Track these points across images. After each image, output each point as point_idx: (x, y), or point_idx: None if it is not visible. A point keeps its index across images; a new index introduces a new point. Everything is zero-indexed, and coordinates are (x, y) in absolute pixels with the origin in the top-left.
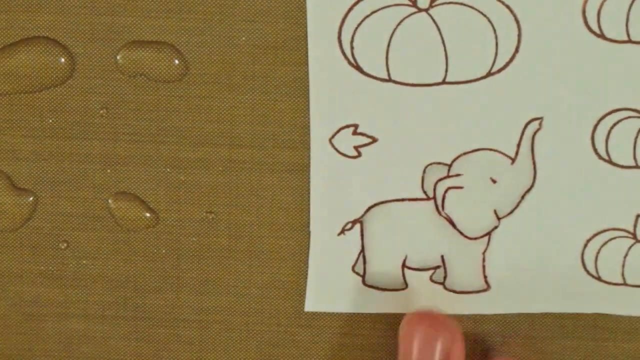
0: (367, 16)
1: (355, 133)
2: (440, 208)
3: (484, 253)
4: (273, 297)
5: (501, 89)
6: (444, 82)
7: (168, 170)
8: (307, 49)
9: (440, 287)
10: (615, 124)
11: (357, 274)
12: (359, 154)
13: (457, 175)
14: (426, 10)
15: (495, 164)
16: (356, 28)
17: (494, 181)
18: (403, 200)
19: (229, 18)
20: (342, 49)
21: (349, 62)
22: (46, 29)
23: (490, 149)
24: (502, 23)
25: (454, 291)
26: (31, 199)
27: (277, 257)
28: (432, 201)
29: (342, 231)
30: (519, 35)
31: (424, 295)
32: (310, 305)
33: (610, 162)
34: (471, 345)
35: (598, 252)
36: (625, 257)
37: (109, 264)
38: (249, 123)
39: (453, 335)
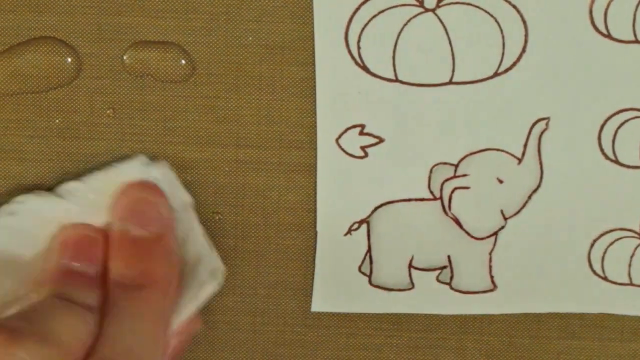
0: (374, 16)
1: (361, 133)
2: (446, 208)
3: (490, 253)
4: (280, 297)
5: (508, 89)
6: (450, 82)
7: (174, 170)
8: (313, 49)
9: (447, 287)
10: (622, 124)
11: (364, 274)
12: (366, 154)
13: (464, 175)
14: (433, 10)
15: (502, 164)
16: (363, 28)
17: (501, 181)
18: (409, 200)
19: (236, 18)
20: (348, 49)
21: (356, 62)
22: (53, 29)
23: (497, 149)
24: (509, 23)
25: (461, 291)
26: None
27: (284, 257)
28: (438, 201)
29: (349, 231)
30: (526, 36)
31: (431, 295)
32: (316, 306)
33: (616, 162)
34: (477, 344)
35: (604, 252)
36: (631, 257)
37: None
38: (255, 123)
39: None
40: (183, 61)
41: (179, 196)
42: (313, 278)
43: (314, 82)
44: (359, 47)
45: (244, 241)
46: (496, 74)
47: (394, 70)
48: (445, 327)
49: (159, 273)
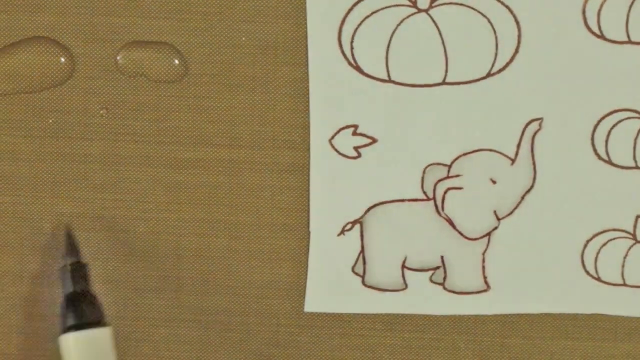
0: (367, 16)
1: (355, 133)
2: (440, 209)
3: (483, 254)
4: (273, 298)
5: (501, 89)
6: (444, 82)
7: (168, 170)
8: (307, 49)
9: (440, 287)
10: (615, 125)
11: (357, 274)
12: (359, 155)
13: (457, 175)
14: (426, 10)
15: (495, 164)
16: (356, 28)
17: (494, 182)
18: (403, 200)
19: (229, 18)
20: (342, 49)
21: (349, 63)
22: (46, 29)
23: (490, 150)
24: (502, 24)
25: (454, 292)
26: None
27: (277, 257)
28: (431, 202)
29: (342, 232)
30: (519, 36)
31: (424, 295)
32: (310, 306)
33: (610, 162)
34: (471, 345)
35: (598, 253)
36: (625, 257)
37: (109, 264)
38: (248, 123)
39: None
40: (176, 61)
41: None
42: (306, 278)
43: (307, 82)
44: (352, 48)
45: (237, 241)
46: (489, 75)
47: (387, 70)
48: (438, 327)
49: None
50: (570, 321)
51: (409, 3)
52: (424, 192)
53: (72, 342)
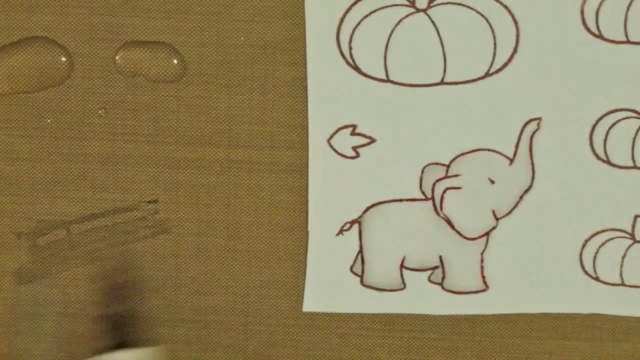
0: (366, 16)
1: (353, 133)
2: (438, 208)
3: (482, 253)
4: (271, 297)
5: (499, 89)
6: (442, 82)
7: (166, 170)
8: (305, 49)
9: (439, 287)
10: (613, 125)
11: (356, 274)
12: (357, 155)
13: (456, 175)
14: (424, 10)
15: (493, 164)
16: (354, 28)
17: (492, 181)
18: (401, 200)
19: (227, 18)
20: (340, 49)
21: (347, 63)
22: (45, 29)
23: (489, 150)
24: (501, 23)
25: (452, 291)
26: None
27: (276, 257)
28: (430, 201)
29: (341, 231)
30: (517, 36)
31: (423, 295)
32: (308, 306)
33: (608, 162)
34: (469, 345)
35: (596, 253)
36: (623, 257)
37: (108, 264)
38: (247, 123)
39: None
40: (175, 61)
41: None
42: (305, 278)
43: (306, 82)
44: (350, 48)
45: (236, 241)
46: (488, 74)
47: (386, 70)
48: (437, 327)
49: None
50: (569, 321)
51: (407, 3)
52: (423, 192)
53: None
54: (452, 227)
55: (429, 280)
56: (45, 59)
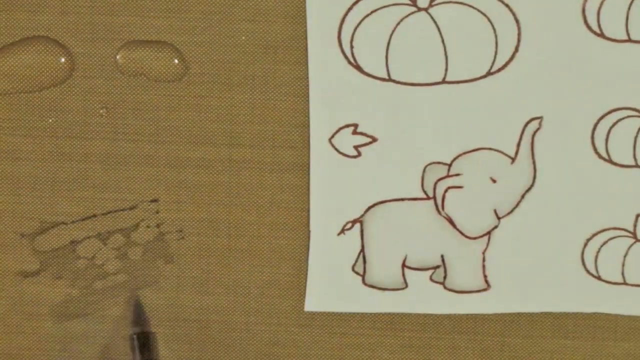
0: (367, 15)
1: (355, 132)
2: (440, 208)
3: (483, 253)
4: (273, 297)
5: (501, 88)
6: (443, 81)
7: (167, 169)
8: (306, 48)
9: (440, 286)
10: (615, 124)
11: (357, 273)
12: (359, 154)
13: (457, 174)
14: (426, 9)
15: (495, 163)
16: (356, 27)
17: (494, 181)
18: (403, 199)
19: (229, 17)
20: (341, 48)
21: (349, 62)
22: (46, 29)
23: (490, 149)
24: (502, 22)
25: (454, 291)
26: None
27: (277, 256)
28: (431, 201)
29: (342, 231)
30: (519, 35)
31: (424, 295)
32: (310, 305)
33: (610, 161)
34: (471, 344)
35: (598, 252)
36: (625, 256)
37: (109, 263)
38: (248, 122)
39: None
40: (176, 60)
41: None
42: (306, 278)
43: (307, 81)
44: (351, 47)
45: (237, 240)
46: (489, 73)
47: (387, 69)
48: (438, 326)
49: None
50: (571, 320)
51: (408, 2)
52: (424, 191)
53: None
54: (454, 226)
55: (431, 279)
56: (46, 58)
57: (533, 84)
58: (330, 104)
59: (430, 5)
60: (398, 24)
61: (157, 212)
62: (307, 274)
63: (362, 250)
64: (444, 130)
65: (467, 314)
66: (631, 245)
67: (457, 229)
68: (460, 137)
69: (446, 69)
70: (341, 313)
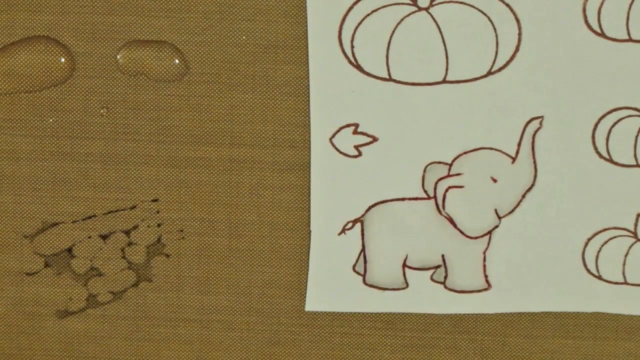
0: (368, 15)
1: (355, 132)
2: (440, 207)
3: (484, 252)
4: (274, 297)
5: (502, 87)
6: (444, 81)
7: (168, 169)
8: (307, 48)
9: (441, 286)
10: (615, 123)
11: (358, 273)
12: (360, 154)
13: (458, 174)
14: (426, 9)
15: (495, 163)
16: (356, 27)
17: (495, 180)
18: (403, 199)
19: (229, 17)
20: (342, 48)
21: (349, 61)
22: (47, 29)
23: (491, 148)
24: (503, 22)
25: (455, 290)
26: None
27: (278, 256)
28: (432, 200)
29: (343, 230)
30: (519, 34)
31: (425, 294)
32: (310, 305)
33: (610, 161)
34: (472, 344)
35: (599, 251)
36: (625, 255)
37: (110, 263)
38: (249, 122)
39: None
40: (177, 60)
41: None
42: (307, 277)
43: (308, 81)
44: (352, 46)
45: (238, 240)
46: (490, 73)
47: (388, 69)
48: (439, 326)
49: None
50: (571, 320)
51: (409, 1)
52: (425, 191)
53: None
54: (455, 226)
55: (431, 279)
56: (46, 58)
57: (534, 83)
58: (331, 103)
59: (431, 5)
60: (399, 23)
61: (158, 212)
62: (307, 273)
63: (363, 250)
64: (445, 129)
65: (468, 314)
66: (632, 245)
67: (458, 229)
68: (461, 137)
69: (447, 69)
70: (342, 313)
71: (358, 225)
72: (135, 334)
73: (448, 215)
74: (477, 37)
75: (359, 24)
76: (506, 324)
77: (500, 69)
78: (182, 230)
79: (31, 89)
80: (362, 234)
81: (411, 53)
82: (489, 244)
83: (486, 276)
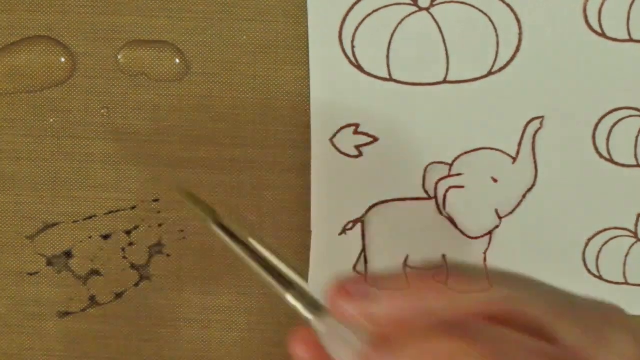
0: (368, 15)
1: (356, 132)
2: (441, 207)
3: (485, 252)
4: (275, 296)
5: (502, 88)
6: (445, 81)
7: (169, 169)
8: (307, 48)
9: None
10: (616, 123)
11: (358, 273)
12: (360, 154)
13: (458, 174)
14: (427, 9)
15: (496, 163)
16: (357, 27)
17: (495, 180)
18: (404, 199)
19: (230, 17)
20: (343, 48)
21: (350, 62)
22: (47, 29)
23: (492, 148)
24: (503, 22)
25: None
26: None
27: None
28: (433, 201)
29: (344, 231)
30: (520, 34)
31: None
32: None
33: (611, 161)
34: None
35: (599, 251)
36: (626, 256)
37: (111, 263)
38: (249, 122)
39: None
40: (177, 60)
41: None
42: (308, 278)
43: (308, 81)
44: (353, 47)
45: None
46: (490, 73)
47: (388, 69)
48: None
49: None
50: None
51: (410, 2)
52: (426, 191)
53: None
54: (455, 226)
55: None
56: (47, 58)
57: (534, 83)
58: (332, 103)
59: (432, 5)
60: (399, 23)
61: (159, 212)
62: (308, 274)
63: (364, 250)
64: (445, 130)
65: None
66: (633, 245)
67: (459, 229)
68: (462, 137)
69: (447, 69)
70: None
71: (359, 225)
72: (135, 334)
73: (449, 215)
74: (477, 38)
75: (360, 24)
76: None
77: (501, 69)
78: (182, 231)
79: (32, 89)
80: (363, 234)
81: (412, 53)
82: (489, 244)
83: (487, 276)
